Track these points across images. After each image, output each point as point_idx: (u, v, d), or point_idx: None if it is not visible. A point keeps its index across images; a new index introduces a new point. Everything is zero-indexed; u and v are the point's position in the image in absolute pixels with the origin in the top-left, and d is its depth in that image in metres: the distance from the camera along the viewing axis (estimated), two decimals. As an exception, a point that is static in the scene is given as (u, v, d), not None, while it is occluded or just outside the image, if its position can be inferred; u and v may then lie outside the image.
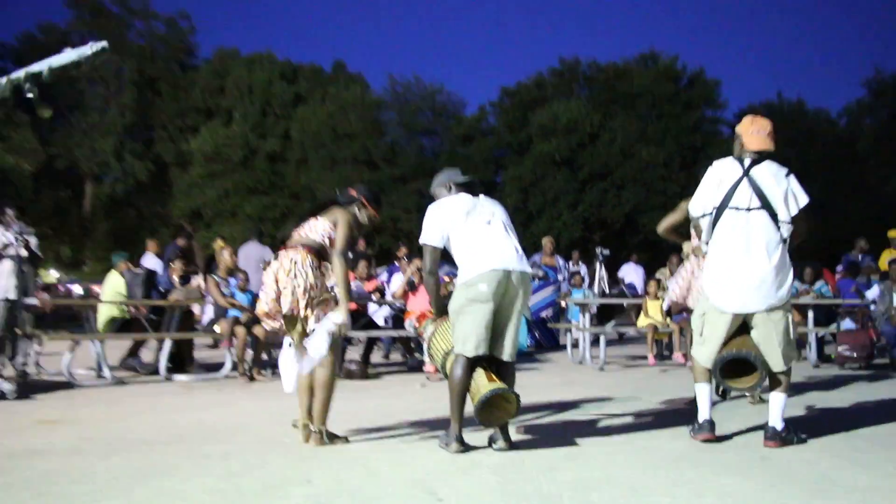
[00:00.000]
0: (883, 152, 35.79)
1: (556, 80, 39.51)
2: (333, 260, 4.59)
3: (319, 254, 4.63)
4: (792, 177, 4.68)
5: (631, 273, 16.17)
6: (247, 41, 79.71)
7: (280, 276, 4.56)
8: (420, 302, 9.53)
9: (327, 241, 4.65)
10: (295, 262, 4.55)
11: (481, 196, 4.77)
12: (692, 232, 5.91)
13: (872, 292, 11.41)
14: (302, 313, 4.55)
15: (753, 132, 4.72)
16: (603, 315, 11.85)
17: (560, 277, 13.72)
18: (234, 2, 69.95)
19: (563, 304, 13.39)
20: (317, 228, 4.71)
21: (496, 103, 40.35)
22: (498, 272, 4.40)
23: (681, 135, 35.70)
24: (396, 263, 12.11)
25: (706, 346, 4.76)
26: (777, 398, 4.63)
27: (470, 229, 4.56)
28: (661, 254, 19.49)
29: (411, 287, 9.99)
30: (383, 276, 12.07)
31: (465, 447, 4.41)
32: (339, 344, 4.97)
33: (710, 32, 65.72)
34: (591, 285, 13.86)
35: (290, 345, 4.69)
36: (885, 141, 35.99)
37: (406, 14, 74.19)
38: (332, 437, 4.60)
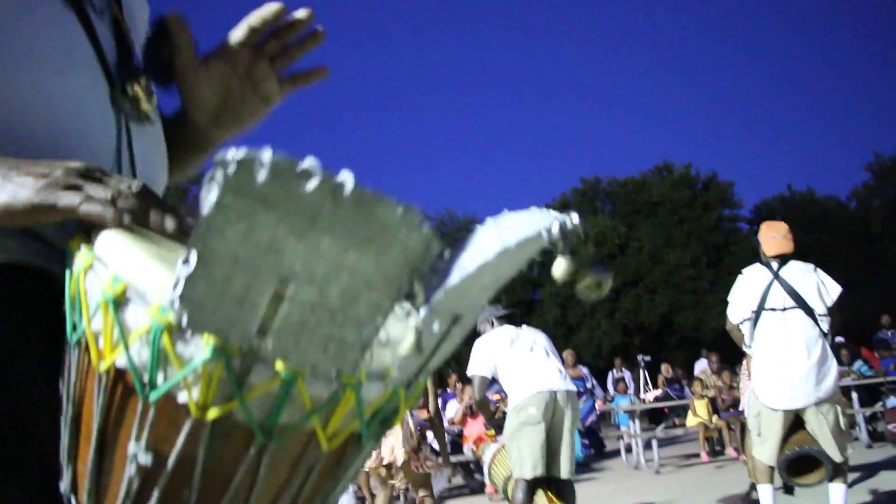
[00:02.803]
0: (895, 229, 35.51)
1: (579, 198, 40.03)
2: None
3: None
4: (819, 270, 4.71)
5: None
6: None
7: None
8: (476, 426, 9.50)
9: None
10: None
11: (523, 326, 4.93)
12: None
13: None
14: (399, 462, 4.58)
15: (771, 238, 4.79)
16: (652, 417, 11.66)
17: (589, 385, 13.57)
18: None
19: (599, 408, 13.19)
20: None
21: (527, 226, 40.73)
22: (544, 394, 4.47)
23: (703, 235, 35.74)
24: (449, 390, 12.07)
25: (766, 445, 4.68)
26: (838, 489, 4.53)
27: (515, 357, 4.68)
28: (698, 352, 19.21)
29: (469, 412, 9.97)
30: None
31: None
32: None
33: (719, 137, 66.73)
34: (636, 391, 13.68)
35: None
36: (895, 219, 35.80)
37: (433, 153, 76.43)
38: None
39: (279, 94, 1.15)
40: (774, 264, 4.74)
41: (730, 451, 10.20)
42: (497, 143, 74.17)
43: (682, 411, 11.98)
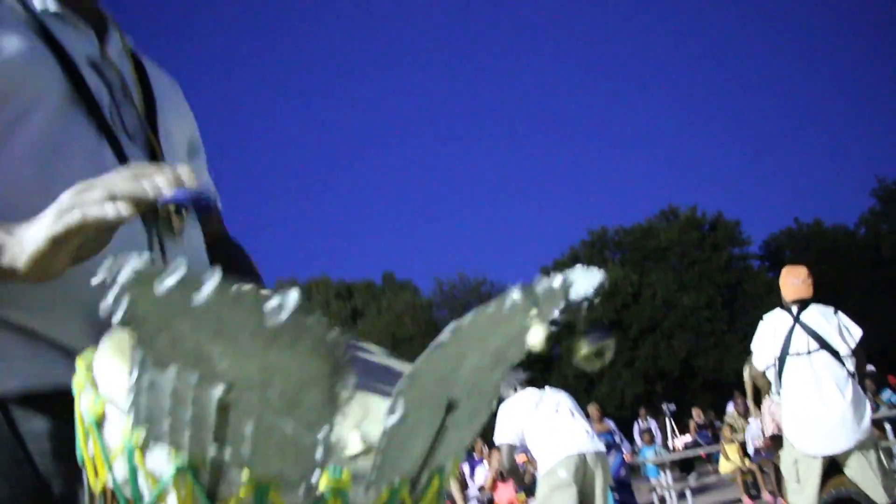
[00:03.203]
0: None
1: (588, 250, 40.04)
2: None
3: None
4: (840, 313, 4.66)
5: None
6: (303, 269, 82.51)
7: None
8: (507, 491, 9.34)
9: None
10: None
11: (546, 387, 4.91)
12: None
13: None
14: None
15: (790, 283, 4.77)
16: (683, 465, 11.44)
17: (617, 439, 13.31)
18: (291, 238, 73.20)
19: (627, 458, 12.92)
20: None
21: (538, 283, 40.76)
22: (573, 457, 4.43)
23: (715, 276, 35.59)
24: (476, 456, 11.85)
25: (805, 493, 4.52)
26: None
27: (541, 421, 4.66)
28: (724, 394, 18.92)
29: (500, 477, 9.79)
30: (465, 469, 11.79)
31: None
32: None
33: (721, 177, 66.93)
34: (664, 441, 13.42)
35: None
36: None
37: (441, 219, 76.89)
38: None
39: None
40: (795, 309, 4.70)
41: (766, 496, 9.93)
42: (502, 204, 74.63)
43: (715, 457, 11.72)
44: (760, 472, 10.07)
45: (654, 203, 72.69)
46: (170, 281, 0.50)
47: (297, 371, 0.56)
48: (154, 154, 1.15)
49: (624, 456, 12.68)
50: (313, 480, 0.61)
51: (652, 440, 13.47)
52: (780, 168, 66.61)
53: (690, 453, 12.44)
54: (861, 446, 4.37)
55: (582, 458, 4.45)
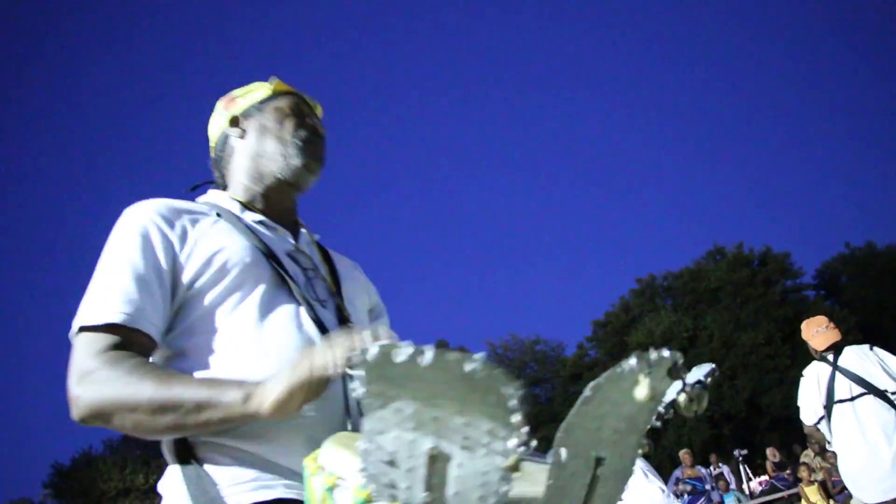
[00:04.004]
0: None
1: (638, 299, 39.55)
2: None
3: None
4: (877, 348, 4.59)
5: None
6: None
7: None
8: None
9: None
10: None
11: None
12: None
13: None
14: None
15: (815, 333, 4.73)
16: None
17: (708, 487, 12.83)
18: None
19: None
20: None
21: (592, 337, 40.30)
22: None
23: (771, 311, 34.78)
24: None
25: None
26: None
27: None
28: (794, 431, 18.26)
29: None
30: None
31: None
32: None
33: (765, 210, 66.10)
34: (738, 486, 12.91)
35: None
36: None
37: (487, 282, 76.84)
38: None
39: None
40: (830, 356, 4.62)
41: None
42: (547, 261, 74.44)
43: (795, 500, 11.23)
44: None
45: (699, 245, 71.86)
46: (406, 350, 0.71)
47: (488, 419, 0.74)
48: (342, 314, 1.53)
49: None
50: None
51: (728, 487, 12.95)
52: (824, 194, 65.59)
53: (770, 497, 11.95)
54: None
55: None
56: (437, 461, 0.75)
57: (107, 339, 1.32)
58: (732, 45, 70.40)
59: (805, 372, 4.74)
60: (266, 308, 1.42)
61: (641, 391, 0.77)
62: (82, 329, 1.34)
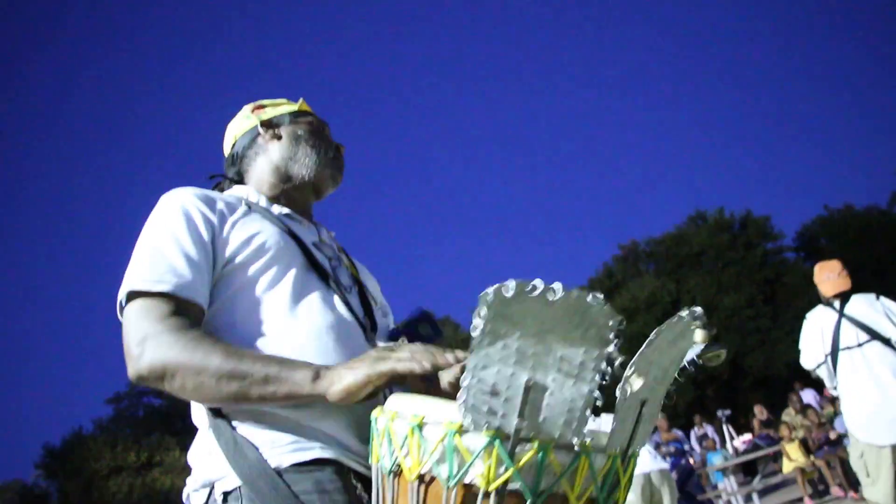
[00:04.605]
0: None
1: (621, 265, 39.74)
2: None
3: None
4: (883, 298, 4.59)
5: None
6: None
7: None
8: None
9: None
10: None
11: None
12: None
13: None
14: None
15: (826, 279, 4.72)
16: (746, 468, 11.17)
17: (686, 447, 13.02)
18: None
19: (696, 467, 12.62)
20: None
21: (576, 303, 40.50)
22: (638, 477, 4.39)
23: (752, 274, 35.06)
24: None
25: (878, 486, 4.38)
26: None
27: None
28: (776, 391, 18.52)
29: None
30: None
31: None
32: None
33: (744, 174, 66.37)
34: (723, 445, 13.10)
35: None
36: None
37: (471, 250, 76.86)
38: None
39: None
40: (837, 303, 4.64)
41: (835, 491, 9.61)
42: (530, 229, 74.56)
43: (778, 457, 11.42)
44: (828, 467, 9.77)
45: (680, 210, 72.12)
46: (539, 286, 0.79)
47: (584, 351, 0.85)
48: (366, 300, 1.65)
49: (692, 464, 12.41)
50: (576, 441, 0.90)
51: (715, 445, 13.15)
52: (802, 158, 65.88)
53: (753, 455, 12.14)
54: None
55: (647, 479, 4.41)
56: (532, 391, 0.85)
57: (165, 306, 1.40)
58: (708, 11, 70.17)
59: (808, 316, 4.75)
60: (301, 289, 1.52)
61: (699, 334, 0.92)
62: (136, 295, 1.42)
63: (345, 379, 1.27)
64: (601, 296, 0.80)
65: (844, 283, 4.65)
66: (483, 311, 0.81)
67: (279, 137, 1.83)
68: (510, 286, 0.79)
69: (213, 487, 1.38)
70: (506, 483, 0.87)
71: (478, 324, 0.82)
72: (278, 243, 1.55)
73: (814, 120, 66.72)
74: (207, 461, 1.39)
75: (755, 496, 9.75)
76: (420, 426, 0.95)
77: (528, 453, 0.87)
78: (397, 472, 1.00)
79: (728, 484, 10.25)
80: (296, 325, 1.46)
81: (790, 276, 33.91)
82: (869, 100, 63.28)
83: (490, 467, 0.87)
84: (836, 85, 66.83)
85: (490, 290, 0.80)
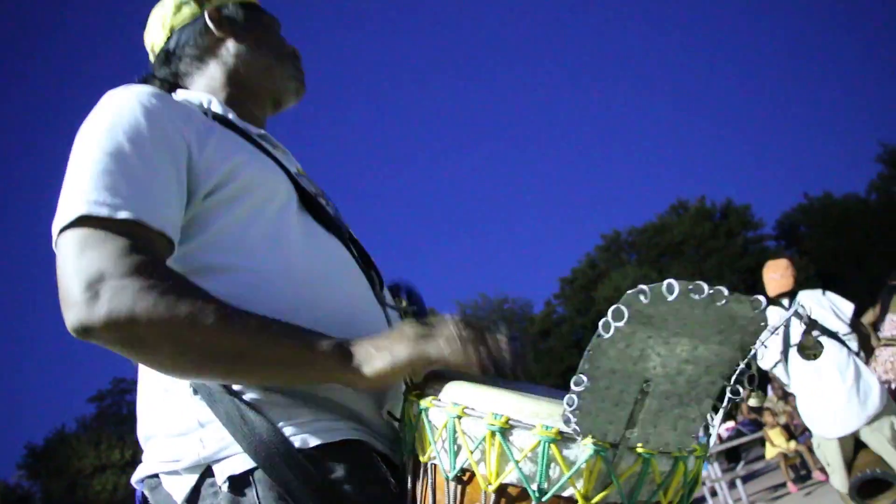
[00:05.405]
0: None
1: (604, 255, 39.90)
2: None
3: None
4: (829, 293, 4.69)
5: None
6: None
7: None
8: None
9: None
10: None
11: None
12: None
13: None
14: None
15: (770, 279, 4.82)
16: (729, 454, 11.25)
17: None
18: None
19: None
20: None
21: (559, 294, 40.62)
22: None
23: (733, 262, 35.34)
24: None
25: (836, 475, 4.54)
26: None
27: None
28: (759, 379, 18.68)
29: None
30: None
31: None
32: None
33: (725, 163, 66.78)
34: (706, 432, 13.20)
35: None
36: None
37: (454, 242, 76.85)
38: None
39: None
40: (785, 302, 4.71)
41: (817, 475, 9.72)
42: (513, 220, 74.63)
43: (761, 443, 11.52)
44: (809, 452, 9.87)
45: (662, 199, 72.48)
46: (677, 287, 0.71)
47: (711, 358, 0.79)
48: (357, 244, 1.37)
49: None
50: (688, 449, 0.84)
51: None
52: (782, 146, 66.35)
53: (736, 442, 12.24)
54: (874, 421, 4.32)
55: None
56: (644, 398, 0.79)
57: (125, 238, 1.01)
58: (688, 1, 70.37)
59: None
60: (285, 228, 1.20)
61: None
62: (83, 222, 1.02)
63: (381, 360, 1.00)
64: (763, 300, 0.74)
65: (787, 284, 4.72)
66: (624, 310, 0.73)
67: (235, 36, 1.45)
68: (649, 290, 0.72)
69: (207, 470, 1.05)
70: (606, 497, 0.79)
71: (611, 325, 0.73)
72: (267, 176, 1.23)
73: (793, 109, 67.21)
74: (197, 435, 1.06)
75: (739, 482, 9.82)
76: (503, 430, 0.82)
77: (630, 466, 0.80)
78: (465, 479, 0.87)
79: (712, 471, 10.31)
80: (307, 274, 1.17)
81: (771, 264, 34.18)
82: (848, 89, 63.80)
83: (590, 482, 0.79)
84: (816, 74, 67.35)
85: (639, 290, 0.72)
